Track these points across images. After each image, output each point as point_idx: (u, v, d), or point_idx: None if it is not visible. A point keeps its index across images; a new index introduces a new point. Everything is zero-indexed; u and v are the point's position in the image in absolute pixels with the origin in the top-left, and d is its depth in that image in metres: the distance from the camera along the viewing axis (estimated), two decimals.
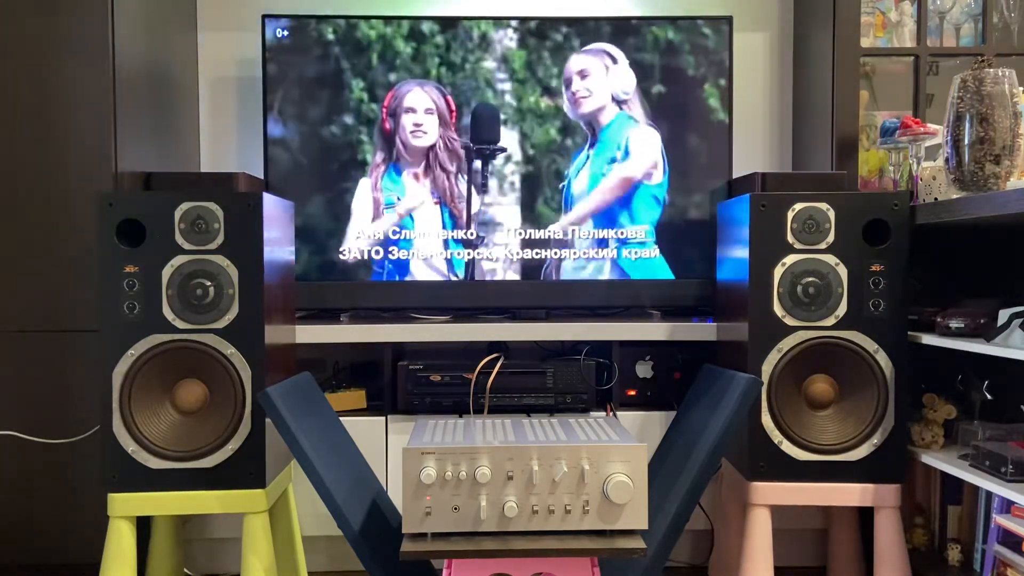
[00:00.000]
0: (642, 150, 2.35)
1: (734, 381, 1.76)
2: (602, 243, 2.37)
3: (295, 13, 2.44)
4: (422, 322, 2.26)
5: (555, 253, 2.37)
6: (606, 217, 2.36)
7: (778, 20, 2.64)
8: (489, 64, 2.36)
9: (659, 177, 2.37)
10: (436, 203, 2.36)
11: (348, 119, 2.35)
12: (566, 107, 2.36)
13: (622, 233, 2.37)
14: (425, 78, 2.35)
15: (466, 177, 2.36)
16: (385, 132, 2.34)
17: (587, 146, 2.36)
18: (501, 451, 1.49)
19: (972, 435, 1.90)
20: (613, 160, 2.35)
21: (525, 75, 2.36)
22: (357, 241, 2.34)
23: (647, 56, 2.37)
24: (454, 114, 2.35)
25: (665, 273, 2.38)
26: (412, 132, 2.34)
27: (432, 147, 2.35)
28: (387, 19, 2.35)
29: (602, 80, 2.35)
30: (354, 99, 2.34)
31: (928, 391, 2.01)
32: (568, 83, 2.36)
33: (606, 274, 2.38)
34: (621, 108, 2.36)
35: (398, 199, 2.33)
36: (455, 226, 2.37)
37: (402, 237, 2.36)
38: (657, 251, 2.38)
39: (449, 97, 2.35)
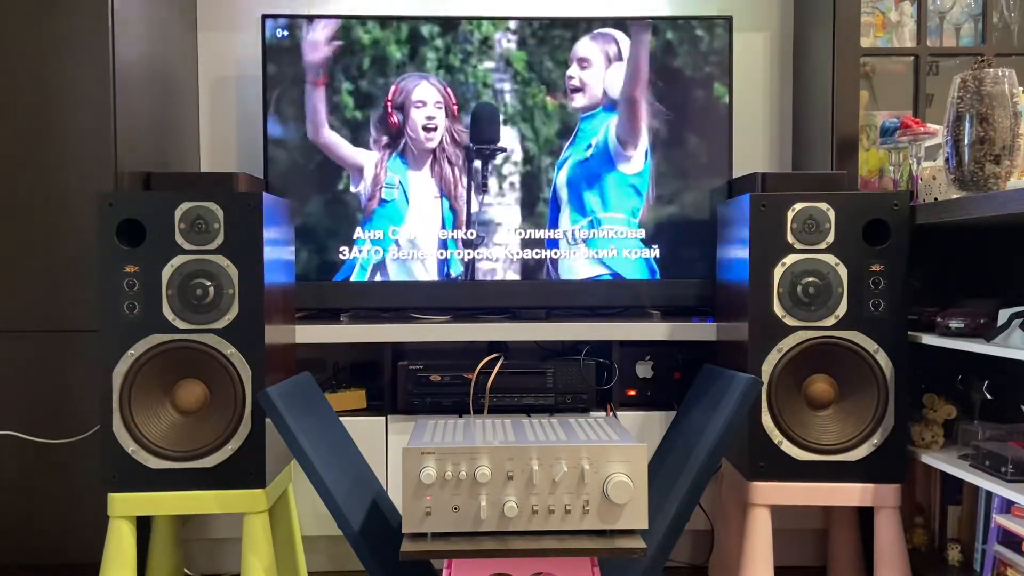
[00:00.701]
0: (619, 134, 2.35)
1: (734, 381, 1.76)
2: (597, 243, 2.37)
3: (295, 13, 2.44)
4: (422, 322, 2.26)
5: (554, 253, 2.37)
6: (582, 209, 2.36)
7: (778, 20, 2.64)
8: (489, 64, 2.36)
9: (638, 166, 2.36)
10: (437, 197, 2.36)
11: (348, 118, 2.35)
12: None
13: (614, 232, 2.37)
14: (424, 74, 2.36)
15: (466, 177, 2.36)
16: (392, 127, 2.34)
17: (574, 139, 2.36)
18: (501, 451, 1.49)
19: (972, 435, 1.90)
20: (588, 146, 2.35)
21: (525, 76, 2.36)
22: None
23: (646, 57, 2.37)
24: (456, 108, 2.36)
25: (659, 273, 2.38)
26: (424, 127, 2.34)
27: (439, 141, 2.35)
28: (386, 19, 2.35)
29: (600, 73, 2.35)
30: (352, 99, 2.34)
31: (928, 391, 2.01)
32: (569, 64, 2.36)
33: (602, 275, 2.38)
34: (615, 107, 2.35)
35: (399, 182, 2.33)
36: (455, 225, 2.37)
37: (402, 237, 2.36)
38: (657, 251, 2.38)
39: (449, 90, 2.35)
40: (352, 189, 2.35)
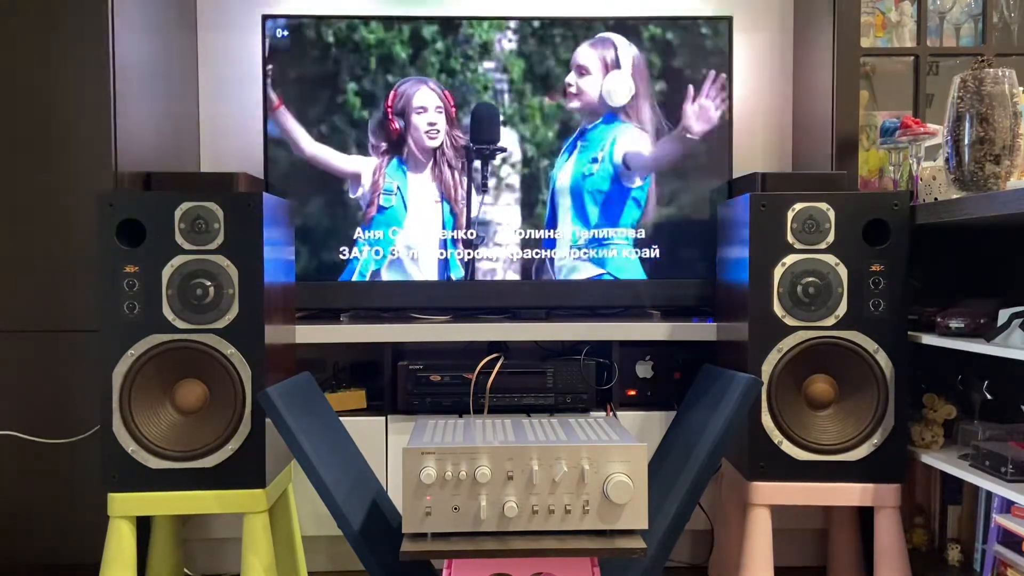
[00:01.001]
0: (626, 152, 2.35)
1: (734, 381, 1.76)
2: (596, 243, 2.37)
3: (295, 13, 2.44)
4: (422, 322, 2.26)
5: (553, 253, 2.37)
6: (584, 218, 2.36)
7: (778, 20, 2.64)
8: (489, 65, 2.36)
9: (641, 180, 2.36)
10: (437, 202, 2.36)
11: (348, 118, 2.35)
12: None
13: (611, 232, 2.37)
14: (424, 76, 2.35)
15: (466, 179, 2.36)
16: (393, 133, 2.34)
17: (573, 143, 2.36)
18: (501, 451, 1.49)
19: (972, 435, 1.90)
20: (595, 160, 2.35)
21: (524, 76, 2.36)
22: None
23: (646, 56, 2.37)
24: (455, 110, 2.36)
25: (659, 274, 2.38)
26: (427, 132, 2.33)
27: (440, 145, 2.35)
28: (387, 20, 2.35)
29: (598, 80, 2.35)
30: (353, 99, 2.34)
31: (928, 391, 2.01)
32: (569, 70, 2.36)
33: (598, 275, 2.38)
34: (617, 115, 2.35)
35: (397, 188, 2.33)
36: (455, 225, 2.37)
37: (402, 238, 2.36)
38: (657, 251, 2.37)
39: (447, 92, 2.35)
40: (351, 195, 2.35)
